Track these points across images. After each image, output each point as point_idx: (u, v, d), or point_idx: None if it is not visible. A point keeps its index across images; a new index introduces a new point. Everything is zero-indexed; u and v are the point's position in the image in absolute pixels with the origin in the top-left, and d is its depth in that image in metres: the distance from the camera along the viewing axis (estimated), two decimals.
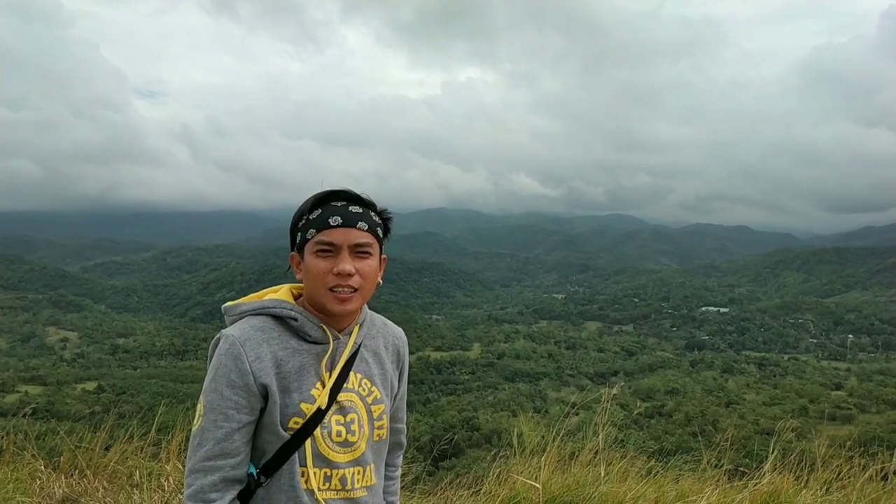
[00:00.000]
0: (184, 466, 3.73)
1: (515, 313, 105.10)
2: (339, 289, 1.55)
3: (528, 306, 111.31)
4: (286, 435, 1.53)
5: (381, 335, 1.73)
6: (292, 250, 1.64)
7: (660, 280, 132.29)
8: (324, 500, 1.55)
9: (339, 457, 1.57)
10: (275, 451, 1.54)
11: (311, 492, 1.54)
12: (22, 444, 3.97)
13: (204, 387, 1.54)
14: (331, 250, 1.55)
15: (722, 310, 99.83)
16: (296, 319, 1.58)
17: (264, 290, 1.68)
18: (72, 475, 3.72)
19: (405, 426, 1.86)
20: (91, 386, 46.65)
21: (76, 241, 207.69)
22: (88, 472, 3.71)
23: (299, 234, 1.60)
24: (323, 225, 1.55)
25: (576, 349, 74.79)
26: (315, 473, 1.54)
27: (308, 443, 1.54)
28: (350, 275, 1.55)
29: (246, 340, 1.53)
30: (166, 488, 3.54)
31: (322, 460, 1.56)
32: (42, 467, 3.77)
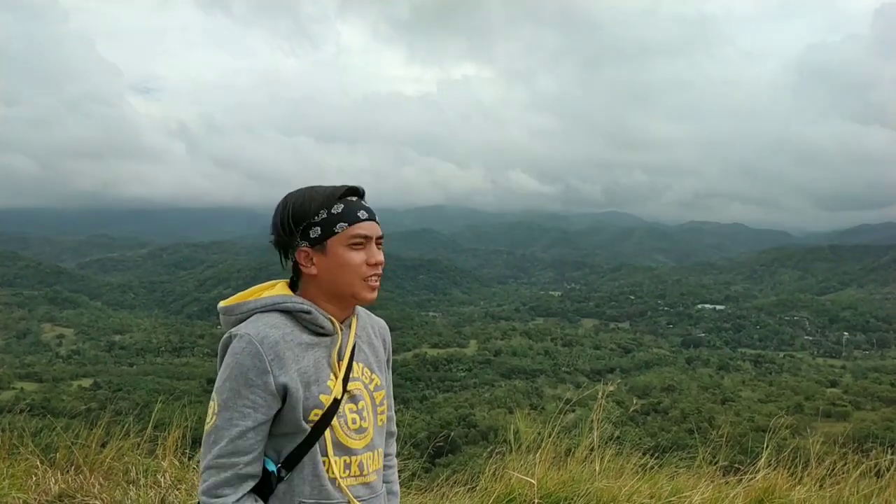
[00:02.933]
0: (180, 463, 3.77)
1: (512, 310, 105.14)
2: (373, 277, 1.64)
3: (525, 303, 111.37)
4: (307, 427, 1.56)
5: (370, 325, 1.80)
6: (301, 245, 1.62)
7: (656, 277, 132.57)
8: (346, 486, 1.61)
9: (356, 443, 1.64)
10: (296, 444, 1.57)
11: (333, 479, 1.59)
12: (18, 441, 3.97)
13: (217, 385, 1.55)
14: (363, 242, 1.62)
15: (718, 307, 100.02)
16: (309, 313, 1.61)
17: (258, 287, 1.69)
18: (68, 471, 3.71)
19: (394, 414, 1.91)
20: (87, 383, 46.54)
21: (72, 238, 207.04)
22: (85, 468, 3.70)
23: (318, 227, 1.60)
24: (354, 219, 1.61)
25: (572, 346, 74.83)
26: (336, 462, 1.59)
27: (327, 433, 1.58)
28: (381, 264, 1.65)
29: (263, 338, 1.54)
30: (162, 485, 3.54)
31: (341, 448, 1.61)
32: (38, 463, 3.77)
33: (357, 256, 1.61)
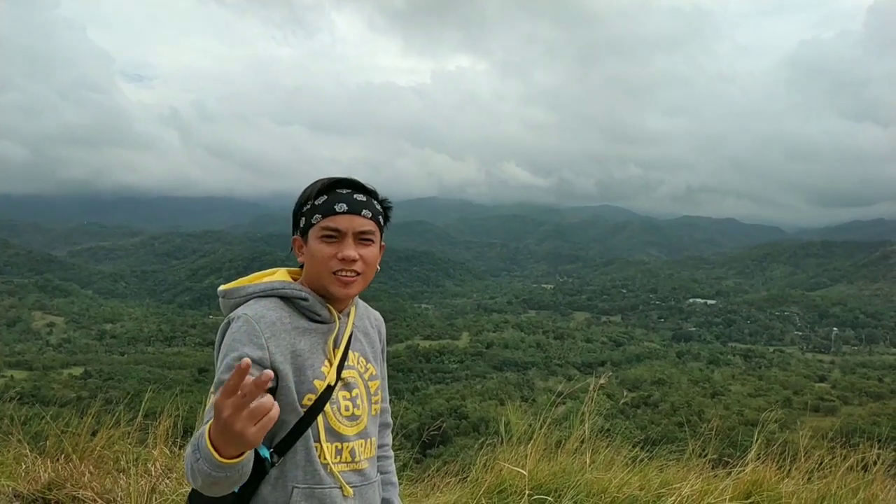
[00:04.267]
0: (171, 452, 3.77)
1: (504, 303, 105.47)
2: (343, 272, 1.61)
3: (518, 296, 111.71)
4: (301, 411, 1.57)
5: (366, 317, 1.82)
6: (295, 234, 1.68)
7: (648, 271, 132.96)
8: (338, 472, 1.62)
9: (348, 430, 1.64)
10: (289, 429, 1.57)
11: (325, 465, 1.60)
12: (7, 429, 3.95)
13: (216, 369, 1.55)
14: (335, 236, 1.61)
15: (709, 302, 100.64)
16: (306, 300, 1.62)
17: (259, 273, 1.70)
18: (58, 460, 3.70)
19: (389, 406, 1.94)
20: (77, 371, 46.45)
21: (63, 226, 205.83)
22: (74, 456, 3.69)
23: (303, 218, 1.65)
24: (329, 211, 1.61)
25: (564, 339, 75.21)
26: (328, 448, 1.60)
27: (320, 418, 1.59)
28: (354, 260, 1.61)
29: (261, 318, 1.55)
30: (153, 473, 3.53)
31: (333, 434, 1.61)
32: (27, 451, 3.75)
33: (326, 249, 1.60)
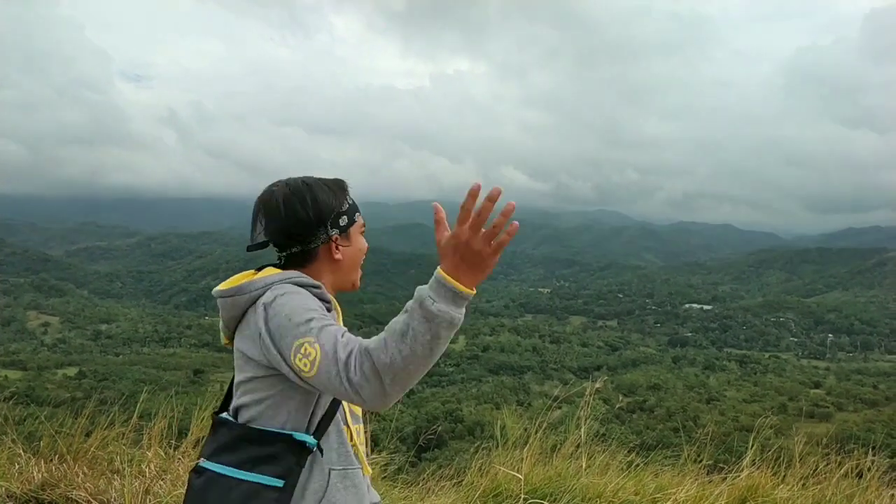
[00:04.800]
0: (165, 454, 3.76)
1: (501, 307, 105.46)
2: (361, 264, 1.77)
3: (514, 300, 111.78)
4: None
5: None
6: (334, 232, 1.65)
7: (645, 276, 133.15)
8: (363, 452, 1.66)
9: (359, 412, 1.71)
10: (321, 413, 1.58)
11: (353, 446, 1.64)
12: (1, 429, 3.93)
13: (292, 334, 1.44)
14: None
15: (705, 307, 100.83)
16: (319, 287, 1.63)
17: (248, 272, 1.64)
18: (51, 460, 3.68)
19: None
20: (72, 371, 46.29)
21: (60, 226, 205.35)
22: (68, 457, 3.68)
23: (345, 216, 1.69)
24: (358, 208, 1.75)
25: (560, 343, 75.29)
26: (354, 429, 1.65)
27: (344, 401, 1.61)
28: None
29: (299, 291, 1.57)
30: (147, 474, 3.52)
31: (354, 417, 1.67)
32: (21, 452, 3.74)
33: (364, 244, 1.75)
